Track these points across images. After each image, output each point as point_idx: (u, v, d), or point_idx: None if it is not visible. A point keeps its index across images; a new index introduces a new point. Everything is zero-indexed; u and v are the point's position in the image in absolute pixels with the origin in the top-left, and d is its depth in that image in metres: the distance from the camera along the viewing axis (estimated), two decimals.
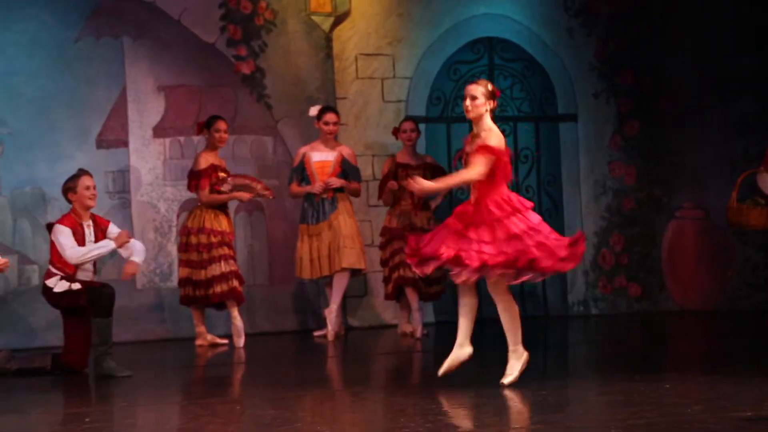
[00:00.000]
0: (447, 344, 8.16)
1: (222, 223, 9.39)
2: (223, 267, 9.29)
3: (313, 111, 9.84)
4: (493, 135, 6.69)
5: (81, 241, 8.01)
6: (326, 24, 10.57)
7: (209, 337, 9.50)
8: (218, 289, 9.27)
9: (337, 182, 9.73)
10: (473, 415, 5.99)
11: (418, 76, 10.79)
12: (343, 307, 10.11)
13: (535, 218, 6.70)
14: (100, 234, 8.11)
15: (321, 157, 9.78)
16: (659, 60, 11.17)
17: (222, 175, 9.44)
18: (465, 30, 10.96)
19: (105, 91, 9.89)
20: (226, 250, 9.34)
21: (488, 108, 6.71)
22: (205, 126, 9.50)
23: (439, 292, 9.85)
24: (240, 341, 9.29)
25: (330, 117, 9.76)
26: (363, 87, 10.66)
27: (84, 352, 7.98)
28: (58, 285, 7.97)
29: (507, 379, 6.68)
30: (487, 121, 6.73)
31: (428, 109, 10.86)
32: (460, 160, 6.91)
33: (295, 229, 9.92)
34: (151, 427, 6.34)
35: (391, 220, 9.75)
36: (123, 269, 8.07)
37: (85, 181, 8.10)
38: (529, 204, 6.73)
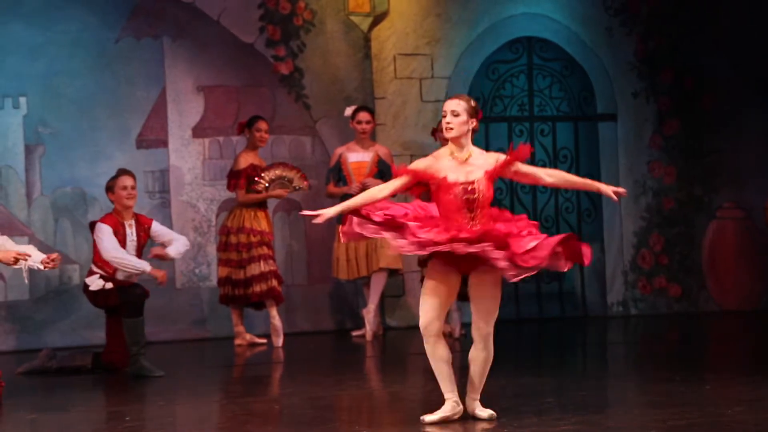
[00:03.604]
0: None
1: (261, 223, 9.42)
2: (262, 266, 9.31)
3: (348, 111, 9.85)
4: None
5: (122, 240, 8.06)
6: (365, 24, 10.57)
7: (248, 336, 9.52)
8: (257, 288, 9.30)
9: (374, 183, 9.72)
10: (512, 416, 5.97)
11: (456, 76, 10.77)
12: (381, 307, 10.11)
13: None
14: (143, 234, 8.15)
15: (357, 157, 9.78)
16: (700, 59, 11.08)
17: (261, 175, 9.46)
18: (503, 29, 10.93)
19: (145, 91, 9.94)
20: (265, 250, 9.36)
21: (470, 127, 5.95)
22: (247, 126, 9.53)
23: None
24: (279, 341, 9.31)
25: (363, 116, 9.76)
26: (401, 87, 10.65)
27: (125, 351, 8.01)
28: (95, 284, 8.04)
29: (429, 417, 5.82)
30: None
31: None
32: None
33: (333, 229, 9.93)
34: (190, 425, 6.36)
35: None
36: (154, 249, 8.11)
37: (123, 181, 8.14)
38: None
